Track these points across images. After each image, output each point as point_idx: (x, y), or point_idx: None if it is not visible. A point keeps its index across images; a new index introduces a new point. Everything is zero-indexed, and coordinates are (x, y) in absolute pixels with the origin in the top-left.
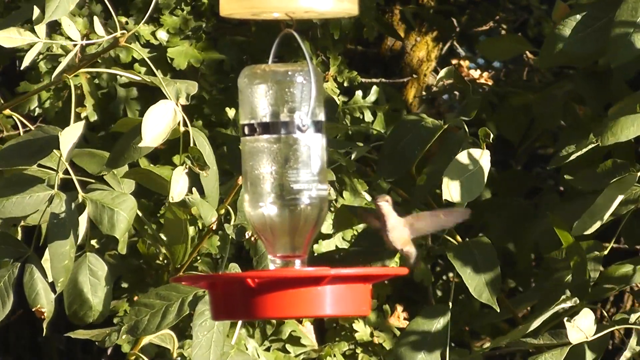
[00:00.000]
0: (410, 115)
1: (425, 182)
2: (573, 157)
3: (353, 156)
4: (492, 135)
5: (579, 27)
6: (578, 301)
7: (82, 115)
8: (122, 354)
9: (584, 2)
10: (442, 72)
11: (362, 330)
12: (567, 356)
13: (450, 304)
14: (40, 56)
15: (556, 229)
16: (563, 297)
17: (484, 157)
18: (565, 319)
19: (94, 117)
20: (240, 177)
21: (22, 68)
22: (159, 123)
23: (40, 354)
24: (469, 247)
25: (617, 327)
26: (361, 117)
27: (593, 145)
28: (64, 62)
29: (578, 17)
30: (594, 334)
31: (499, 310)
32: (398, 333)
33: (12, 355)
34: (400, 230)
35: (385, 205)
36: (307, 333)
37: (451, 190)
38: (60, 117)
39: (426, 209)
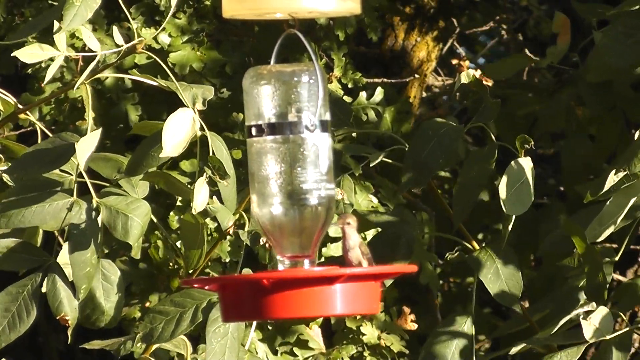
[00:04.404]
0: (429, 121)
1: (461, 197)
2: (607, 187)
3: (371, 163)
4: (532, 142)
5: (621, 37)
6: (595, 305)
7: (82, 127)
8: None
9: (626, 9)
10: (461, 76)
11: (369, 333)
12: (592, 357)
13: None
14: (42, 65)
15: (571, 235)
16: (581, 302)
17: (528, 166)
18: (581, 316)
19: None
20: None
21: (44, 84)
22: (178, 131)
23: (41, 354)
24: (489, 252)
25: (634, 326)
26: (365, 118)
27: (623, 174)
28: (87, 70)
29: (619, 26)
30: (612, 333)
31: (521, 312)
32: (406, 335)
33: (13, 356)
34: (356, 251)
35: (347, 226)
36: (315, 336)
37: (507, 203)
38: (60, 130)
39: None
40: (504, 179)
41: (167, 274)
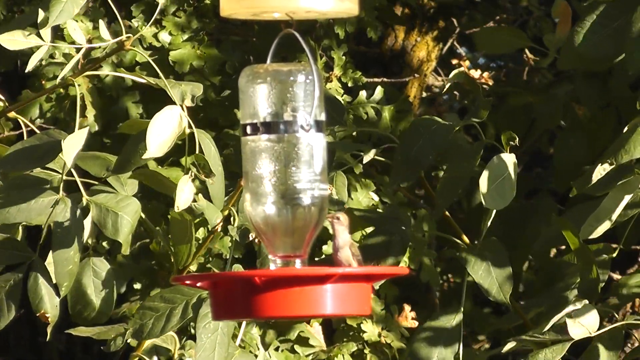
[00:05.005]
0: (421, 118)
1: (446, 190)
2: (594, 180)
3: (364, 160)
4: (516, 139)
5: (596, 28)
6: (587, 302)
7: (85, 123)
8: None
9: None
10: (452, 74)
11: (370, 331)
12: (583, 357)
13: (463, 301)
14: (43, 62)
15: (564, 232)
16: (572, 298)
17: (511, 161)
18: (567, 314)
19: (95, 128)
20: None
21: (27, 71)
22: (164, 130)
23: (41, 354)
24: (480, 248)
25: (621, 322)
26: (365, 116)
27: (610, 167)
28: (69, 65)
29: (594, 17)
30: (597, 330)
31: (511, 309)
32: (406, 333)
33: (13, 356)
34: (346, 251)
35: (337, 222)
36: (315, 334)
37: (487, 197)
38: (61, 127)
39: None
40: (485, 173)
41: (168, 270)
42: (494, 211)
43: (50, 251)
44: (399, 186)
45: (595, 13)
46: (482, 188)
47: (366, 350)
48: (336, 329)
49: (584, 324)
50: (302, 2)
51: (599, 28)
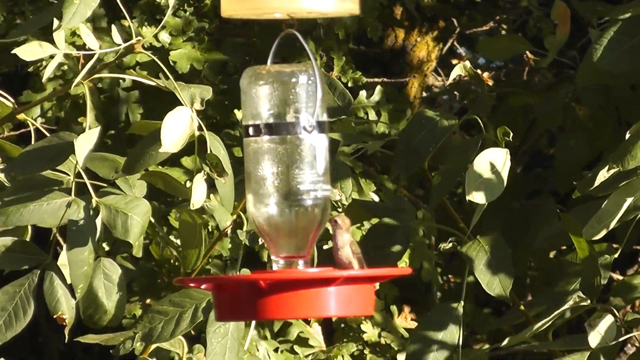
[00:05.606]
0: (424, 110)
1: (442, 182)
2: (597, 182)
3: (369, 150)
4: (511, 134)
5: (613, 44)
6: (589, 301)
7: (84, 125)
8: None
9: (619, 16)
10: (457, 68)
11: (370, 331)
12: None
13: (462, 302)
14: (44, 63)
15: (569, 232)
16: (575, 296)
17: (503, 157)
18: (586, 323)
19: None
20: None
21: (43, 80)
22: (176, 129)
23: (41, 354)
24: (481, 243)
25: (636, 332)
26: (365, 117)
27: (615, 170)
28: (85, 69)
29: (612, 33)
30: (614, 340)
31: (511, 304)
32: (405, 333)
33: (13, 356)
34: (346, 250)
35: (336, 226)
36: (315, 334)
37: (472, 190)
38: (62, 127)
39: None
40: (473, 166)
41: (168, 271)
42: (490, 208)
43: (61, 254)
44: (399, 179)
45: (613, 30)
46: (468, 181)
47: (366, 351)
48: (336, 330)
49: (603, 334)
50: (303, 3)
51: (617, 44)
